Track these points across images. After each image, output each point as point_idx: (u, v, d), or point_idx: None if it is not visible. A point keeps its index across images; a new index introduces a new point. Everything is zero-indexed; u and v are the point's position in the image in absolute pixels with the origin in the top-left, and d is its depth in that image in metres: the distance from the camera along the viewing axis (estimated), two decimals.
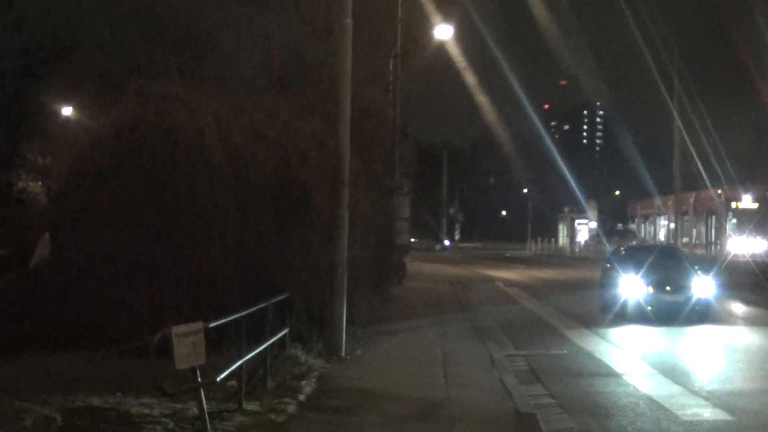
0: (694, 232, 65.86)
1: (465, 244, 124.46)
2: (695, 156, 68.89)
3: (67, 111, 47.23)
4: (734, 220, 60.02)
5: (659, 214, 75.09)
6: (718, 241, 60.56)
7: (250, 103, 19.12)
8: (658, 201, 74.38)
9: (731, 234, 59.25)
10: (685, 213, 66.47)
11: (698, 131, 68.15)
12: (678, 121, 64.20)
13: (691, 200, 65.30)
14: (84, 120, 32.54)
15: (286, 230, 17.74)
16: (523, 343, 22.04)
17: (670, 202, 69.45)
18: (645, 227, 79.56)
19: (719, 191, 60.98)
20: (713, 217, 62.74)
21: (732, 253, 53.57)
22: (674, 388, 15.91)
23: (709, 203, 62.20)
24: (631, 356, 20.15)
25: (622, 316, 26.81)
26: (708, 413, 13.85)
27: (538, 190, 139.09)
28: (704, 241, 63.12)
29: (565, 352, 20.64)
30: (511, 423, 12.68)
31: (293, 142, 18.53)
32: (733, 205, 60.13)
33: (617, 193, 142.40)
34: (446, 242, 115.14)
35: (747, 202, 59.61)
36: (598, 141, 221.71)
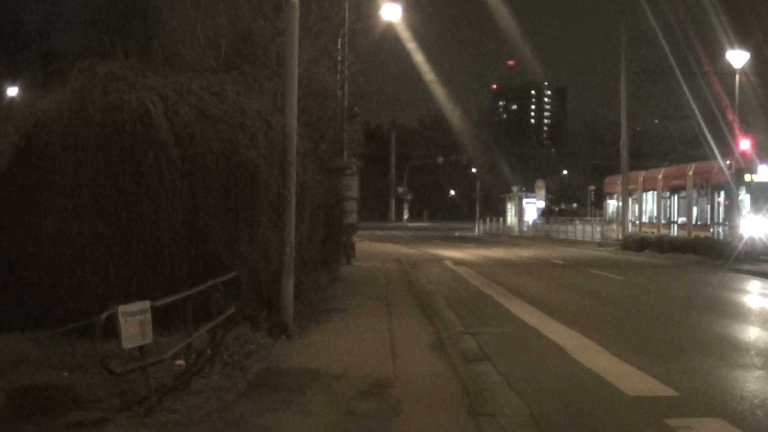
0: (695, 210, 56.97)
1: (413, 224, 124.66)
2: (700, 119, 62.84)
3: (12, 91, 46.81)
4: (747, 196, 51.29)
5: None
6: (727, 222, 52.24)
7: (197, 82, 19.03)
8: (657, 173, 63.17)
9: (745, 213, 50.94)
10: (679, 188, 59.57)
11: (706, 94, 65.04)
12: (623, 93, 63.58)
13: (689, 173, 57.67)
14: (29, 100, 32.29)
15: (234, 210, 17.70)
16: (470, 321, 22.15)
17: (660, 176, 63.05)
18: (624, 205, 67.05)
19: (728, 162, 52.58)
20: (721, 193, 53.18)
21: (747, 235, 47.82)
22: None
23: (716, 176, 53.38)
24: None
25: None
26: None
27: (486, 170, 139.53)
28: (709, 221, 54.50)
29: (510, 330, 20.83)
30: (459, 400, 12.77)
31: (241, 121, 18.47)
32: (747, 177, 51.32)
33: (565, 172, 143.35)
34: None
35: (765, 174, 51.47)
36: (545, 121, 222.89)
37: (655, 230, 61.16)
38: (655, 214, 64.01)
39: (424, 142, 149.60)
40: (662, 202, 62.41)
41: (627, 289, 31.72)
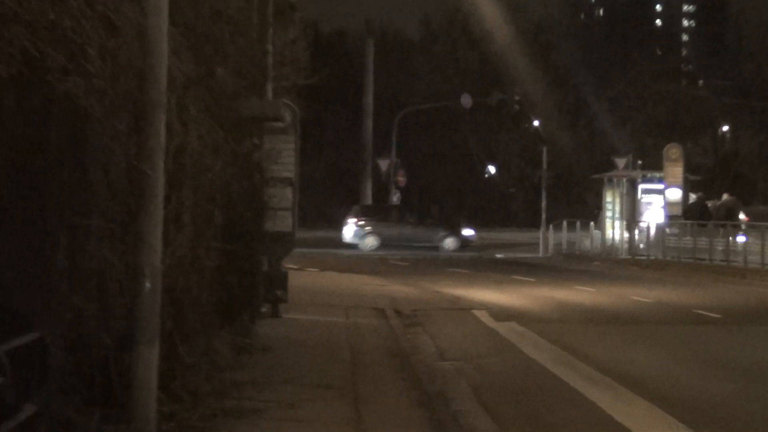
0: None
1: None
2: None
3: None
4: None
5: None
6: None
7: None
8: None
9: None
10: None
11: None
12: None
13: None
14: None
15: (38, 202, 17.73)
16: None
17: None
18: None
19: None
20: None
21: None
22: None
23: None
24: None
25: None
26: None
27: (563, 124, 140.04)
28: None
29: None
30: None
31: (52, 20, 18.51)
32: None
33: (724, 128, 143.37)
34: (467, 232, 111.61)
35: None
36: (685, 23, 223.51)
37: None
38: None
39: (431, 67, 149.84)
40: None
41: None
